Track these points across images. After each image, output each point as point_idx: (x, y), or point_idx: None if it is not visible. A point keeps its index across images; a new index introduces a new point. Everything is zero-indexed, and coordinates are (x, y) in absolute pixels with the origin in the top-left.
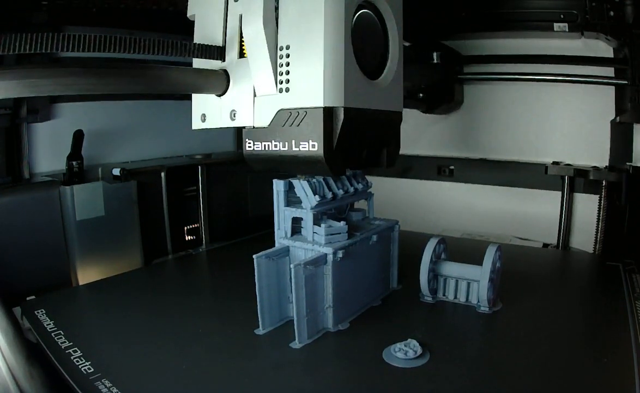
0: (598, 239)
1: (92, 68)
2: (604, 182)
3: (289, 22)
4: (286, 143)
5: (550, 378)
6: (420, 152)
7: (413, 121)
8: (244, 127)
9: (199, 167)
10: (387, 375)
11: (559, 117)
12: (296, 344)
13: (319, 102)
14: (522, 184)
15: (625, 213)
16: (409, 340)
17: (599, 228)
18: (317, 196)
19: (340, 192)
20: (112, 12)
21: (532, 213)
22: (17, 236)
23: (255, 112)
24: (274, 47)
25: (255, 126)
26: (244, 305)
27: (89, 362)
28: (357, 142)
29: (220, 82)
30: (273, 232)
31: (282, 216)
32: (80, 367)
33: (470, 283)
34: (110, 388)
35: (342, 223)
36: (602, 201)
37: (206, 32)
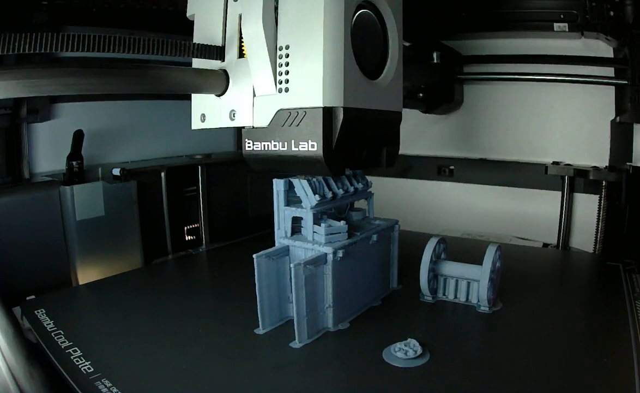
0: (598, 239)
1: (92, 68)
2: (604, 182)
3: (289, 22)
4: (285, 143)
5: (550, 378)
6: (420, 152)
7: (413, 121)
8: (243, 127)
9: (199, 167)
10: (387, 375)
11: (559, 117)
12: (296, 344)
13: (319, 102)
14: (522, 184)
15: (625, 213)
16: (409, 339)
17: (599, 228)
18: (317, 195)
19: (340, 192)
20: (112, 12)
21: (532, 213)
22: (17, 236)
23: (254, 112)
24: (273, 47)
25: (255, 126)
26: (244, 305)
27: (89, 362)
28: (357, 142)
29: (219, 82)
30: (273, 232)
31: (282, 215)
32: (80, 366)
33: (470, 283)
34: (110, 388)
35: (342, 222)
36: (602, 201)
37: (206, 32)
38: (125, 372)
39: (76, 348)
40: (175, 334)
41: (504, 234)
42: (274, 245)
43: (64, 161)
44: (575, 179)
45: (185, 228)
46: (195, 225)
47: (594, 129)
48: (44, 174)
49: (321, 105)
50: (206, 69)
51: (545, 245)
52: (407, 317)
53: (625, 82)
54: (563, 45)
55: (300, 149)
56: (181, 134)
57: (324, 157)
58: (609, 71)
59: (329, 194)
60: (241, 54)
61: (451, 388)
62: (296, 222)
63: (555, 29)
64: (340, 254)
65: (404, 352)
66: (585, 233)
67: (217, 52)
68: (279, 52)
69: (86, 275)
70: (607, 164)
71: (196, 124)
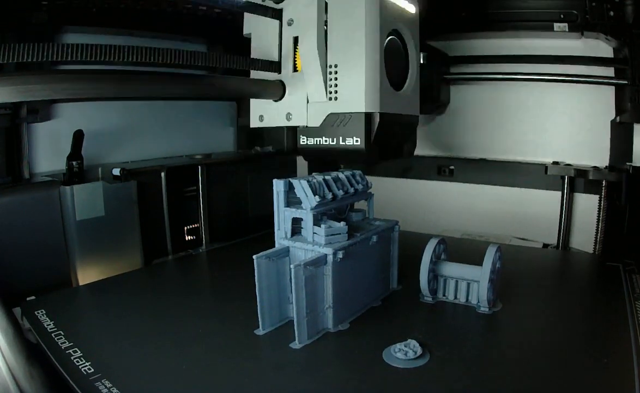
0: (598, 239)
1: (161, 74)
2: (604, 182)
3: (337, 45)
4: (335, 139)
5: (550, 378)
6: (420, 152)
7: None
8: (298, 126)
9: (199, 167)
10: (387, 376)
11: (559, 117)
12: (296, 344)
13: (362, 108)
14: (522, 184)
15: (625, 213)
16: (409, 340)
17: (599, 228)
18: (317, 196)
19: (340, 193)
20: (112, 12)
21: (532, 213)
22: (17, 236)
23: (308, 114)
24: (324, 65)
25: (309, 125)
26: (244, 305)
27: (89, 362)
28: (388, 138)
29: (277, 90)
30: (273, 232)
31: (282, 216)
32: (80, 367)
33: (470, 284)
34: (111, 389)
35: (342, 223)
36: (602, 201)
37: (262, 48)
38: (125, 372)
39: (76, 348)
40: (175, 334)
41: (503, 234)
42: (274, 246)
43: (64, 161)
44: (575, 179)
45: (185, 228)
46: (195, 225)
47: (594, 129)
48: (44, 174)
49: (364, 110)
50: (266, 80)
51: (545, 245)
52: (407, 318)
53: (625, 82)
54: (563, 45)
55: (347, 143)
56: (181, 134)
57: (365, 149)
58: (609, 71)
59: (329, 195)
60: (295, 69)
61: (451, 389)
62: (296, 223)
63: (555, 29)
64: (340, 255)
65: (404, 353)
66: (585, 233)
67: (276, 67)
68: (329, 69)
69: (86, 275)
70: (607, 164)
71: (255, 122)
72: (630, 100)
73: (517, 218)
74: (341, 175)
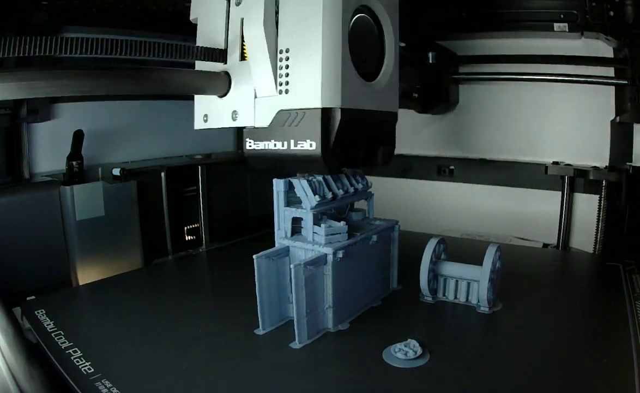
0: (598, 239)
1: (98, 70)
2: (604, 182)
3: (289, 26)
4: (285, 142)
5: (550, 378)
6: (420, 152)
7: (413, 121)
8: (244, 127)
9: (199, 167)
10: (387, 376)
11: (559, 117)
12: (296, 344)
13: (317, 103)
14: (522, 184)
15: (625, 213)
16: (409, 340)
17: (599, 228)
18: (317, 196)
19: (340, 192)
20: (112, 12)
21: (532, 213)
22: (17, 236)
23: (255, 112)
24: (274, 50)
25: (256, 126)
26: (244, 305)
27: (89, 362)
28: (354, 141)
29: (222, 84)
30: (273, 232)
31: (282, 216)
32: (80, 367)
33: (470, 284)
34: (111, 389)
35: (342, 223)
36: (602, 201)
37: (208, 35)
38: (126, 372)
39: (76, 348)
40: (175, 334)
41: (503, 234)
42: (274, 245)
43: (64, 161)
44: (575, 179)
45: (185, 228)
46: (195, 225)
47: (594, 129)
48: (44, 174)
49: (319, 106)
50: (209, 71)
51: (545, 245)
52: (407, 318)
53: (625, 82)
54: (563, 45)
55: (300, 148)
56: (181, 134)
57: (322, 156)
58: (609, 71)
59: (329, 195)
60: (243, 57)
61: (451, 389)
62: (296, 222)
63: (555, 29)
64: (340, 254)
65: (404, 353)
66: (585, 233)
67: (220, 55)
68: (279, 55)
69: (86, 275)
70: (607, 164)
71: (199, 124)
72: (630, 100)
73: (517, 218)
74: (341, 175)
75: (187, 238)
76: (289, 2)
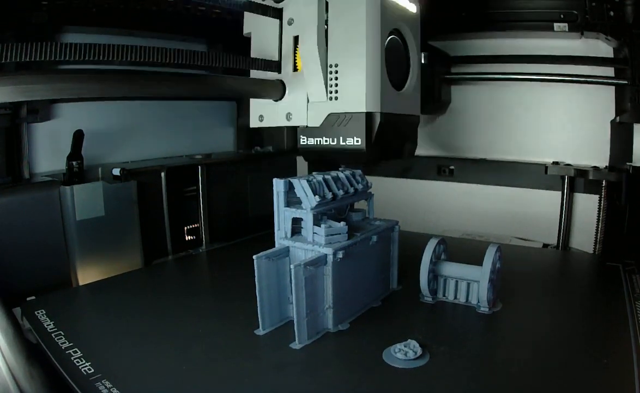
0: (598, 239)
1: (160, 75)
2: (604, 182)
3: (338, 45)
4: (335, 139)
5: (550, 378)
6: (420, 152)
7: None
8: (298, 126)
9: (199, 167)
10: (387, 376)
11: (559, 117)
12: (296, 345)
13: (362, 108)
14: (522, 184)
15: (625, 213)
16: (409, 340)
17: (599, 228)
18: (317, 196)
19: (340, 192)
20: (112, 12)
21: (532, 213)
22: (17, 236)
23: (308, 114)
24: (325, 65)
25: (309, 125)
26: (244, 305)
27: (89, 363)
28: (388, 138)
29: (278, 90)
30: (273, 232)
31: (282, 216)
32: (80, 367)
33: (470, 284)
34: (111, 389)
35: (342, 223)
36: (602, 201)
37: (262, 48)
38: (126, 372)
39: (76, 348)
40: (175, 334)
41: (504, 234)
42: (274, 246)
43: (64, 161)
44: (575, 179)
45: (185, 228)
46: (195, 225)
47: (594, 129)
48: (44, 174)
49: (364, 110)
50: (266, 79)
51: (545, 245)
52: (407, 318)
53: (625, 82)
54: (563, 45)
55: (347, 143)
56: (181, 134)
57: (366, 149)
58: (609, 71)
59: (329, 195)
60: (295, 68)
61: (451, 389)
62: (296, 223)
63: (555, 29)
64: (340, 255)
65: (404, 353)
66: (585, 233)
67: (276, 66)
68: (329, 69)
69: (86, 275)
70: (607, 164)
71: (254, 123)
72: (630, 100)
73: (517, 218)
74: (341, 175)
75: (187, 238)
76: (337, 25)
